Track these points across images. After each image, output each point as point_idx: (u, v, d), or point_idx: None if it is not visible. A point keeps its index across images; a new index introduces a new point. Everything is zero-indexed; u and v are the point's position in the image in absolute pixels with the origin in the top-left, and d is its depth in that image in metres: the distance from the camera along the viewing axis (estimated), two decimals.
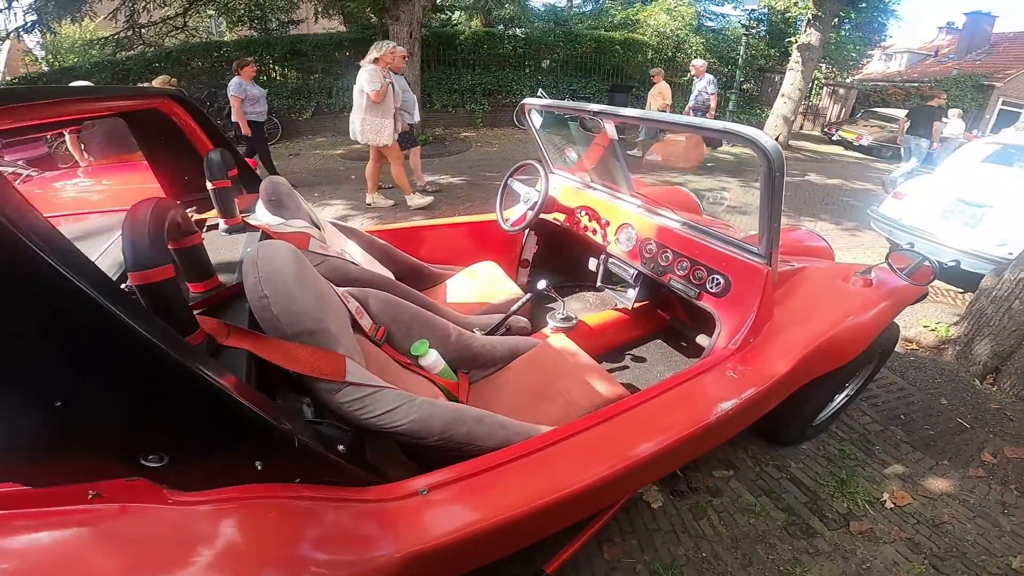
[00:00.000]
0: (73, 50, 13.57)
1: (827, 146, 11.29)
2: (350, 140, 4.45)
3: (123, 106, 1.42)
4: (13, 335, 0.60)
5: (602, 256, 2.10)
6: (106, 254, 1.34)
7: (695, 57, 9.36)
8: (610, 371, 1.99)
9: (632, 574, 1.51)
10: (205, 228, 1.63)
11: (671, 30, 11.83)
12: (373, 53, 4.03)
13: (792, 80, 9.27)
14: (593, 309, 2.42)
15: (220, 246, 1.46)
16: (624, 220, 1.97)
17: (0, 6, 7.98)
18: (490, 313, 1.93)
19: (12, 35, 8.69)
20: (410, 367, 1.38)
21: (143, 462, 0.73)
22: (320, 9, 10.19)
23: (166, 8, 9.52)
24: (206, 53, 9.65)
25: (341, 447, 0.90)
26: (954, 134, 7.24)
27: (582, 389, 1.44)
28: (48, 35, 9.93)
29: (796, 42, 9.35)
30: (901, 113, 7.75)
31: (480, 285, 2.12)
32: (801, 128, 13.02)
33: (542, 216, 2.16)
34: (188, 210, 1.71)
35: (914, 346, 2.82)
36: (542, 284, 1.91)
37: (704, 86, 7.15)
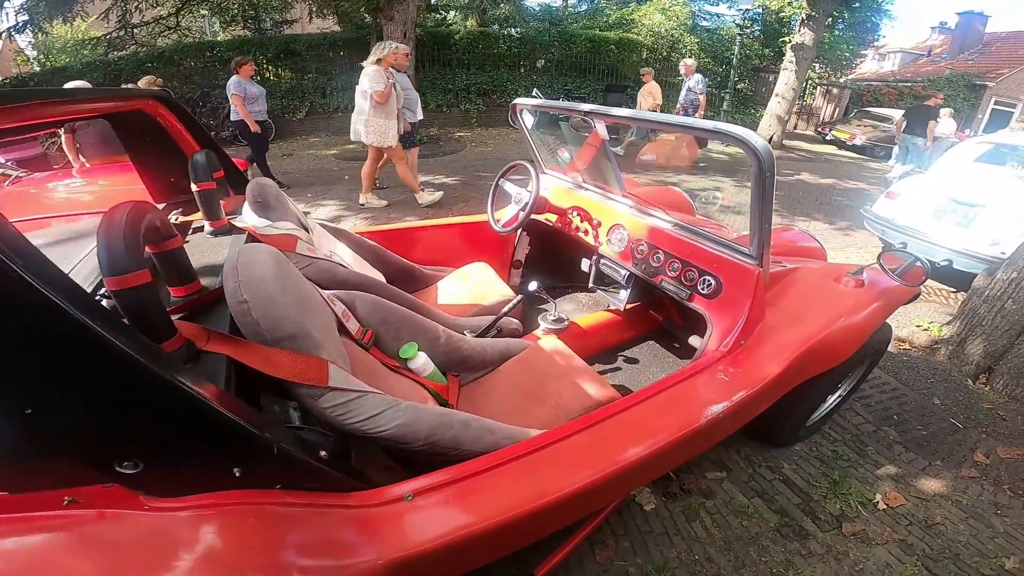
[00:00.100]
0: (65, 50, 13.50)
1: (821, 145, 11.35)
2: (344, 140, 4.44)
3: (107, 107, 1.39)
4: None
5: (594, 257, 2.08)
6: (90, 256, 1.31)
7: (689, 57, 9.39)
8: (602, 372, 1.98)
9: None
10: (191, 230, 1.61)
11: (666, 30, 11.86)
12: (375, 55, 3.99)
13: (786, 80, 9.31)
14: (585, 310, 2.41)
15: (205, 249, 1.44)
16: (616, 221, 1.96)
17: None
18: (481, 315, 1.92)
19: (4, 35, 8.63)
20: (399, 370, 1.37)
21: (118, 469, 0.72)
22: (314, 9, 10.16)
23: (158, 8, 9.49)
24: (199, 53, 9.58)
25: (323, 453, 0.89)
26: (945, 133, 7.29)
27: (573, 391, 1.43)
28: (40, 35, 9.87)
29: (790, 42, 9.39)
30: (895, 113, 7.79)
31: (471, 286, 2.10)
32: (795, 128, 13.09)
33: (534, 217, 2.15)
34: (174, 212, 1.70)
35: (907, 346, 2.82)
36: (533, 286, 1.90)
37: (693, 85, 7.18)
